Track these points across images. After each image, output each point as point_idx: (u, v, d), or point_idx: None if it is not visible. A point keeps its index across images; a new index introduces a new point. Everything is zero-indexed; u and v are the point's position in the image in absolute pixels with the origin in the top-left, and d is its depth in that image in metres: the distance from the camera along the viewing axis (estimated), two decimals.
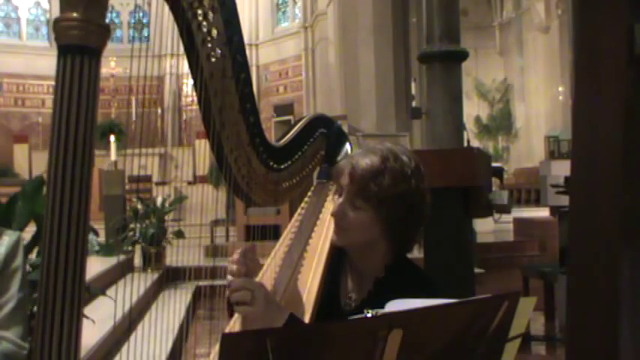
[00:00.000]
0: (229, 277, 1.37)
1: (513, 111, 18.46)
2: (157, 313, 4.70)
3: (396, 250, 1.40)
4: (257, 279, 1.44)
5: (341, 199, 1.37)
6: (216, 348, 1.34)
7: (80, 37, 0.97)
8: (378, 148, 1.37)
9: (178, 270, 6.24)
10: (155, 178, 12.69)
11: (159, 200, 7.26)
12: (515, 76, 18.32)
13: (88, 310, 2.43)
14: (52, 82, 0.99)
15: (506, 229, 9.02)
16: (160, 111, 16.64)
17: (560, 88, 15.07)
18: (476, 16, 17.81)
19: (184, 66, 1.34)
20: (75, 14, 0.97)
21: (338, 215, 1.37)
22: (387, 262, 1.39)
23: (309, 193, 1.67)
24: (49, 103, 16.15)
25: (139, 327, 3.70)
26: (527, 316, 0.99)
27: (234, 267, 1.38)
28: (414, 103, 8.62)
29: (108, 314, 1.80)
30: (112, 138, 11.72)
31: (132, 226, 6.87)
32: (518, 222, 9.02)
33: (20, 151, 14.03)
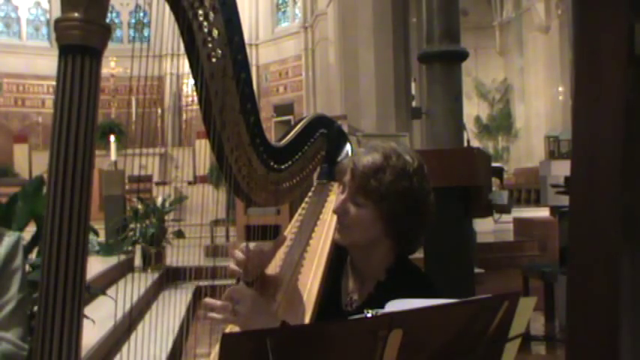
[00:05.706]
0: (231, 265, 1.40)
1: (513, 111, 18.48)
2: (157, 313, 4.69)
3: (397, 250, 1.39)
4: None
5: (343, 196, 1.37)
6: (217, 348, 1.34)
7: (81, 37, 0.97)
8: (380, 146, 1.36)
9: (178, 270, 6.24)
10: (155, 178, 12.69)
11: (159, 200, 7.27)
12: (515, 76, 18.33)
13: (88, 310, 2.43)
14: (52, 82, 0.99)
15: (506, 229, 9.02)
16: (160, 111, 16.64)
17: (560, 88, 15.08)
18: (476, 16, 17.81)
19: (185, 66, 1.34)
20: (76, 14, 0.97)
21: (339, 211, 1.36)
22: (388, 264, 1.38)
23: (310, 194, 1.67)
24: (49, 103, 16.16)
25: (139, 327, 3.69)
26: (527, 316, 0.99)
27: (235, 261, 1.39)
28: (414, 103, 8.63)
29: (108, 314, 1.80)
30: (112, 138, 11.73)
31: (132, 226, 6.87)
32: (518, 222, 9.03)
33: (20, 151, 14.05)
